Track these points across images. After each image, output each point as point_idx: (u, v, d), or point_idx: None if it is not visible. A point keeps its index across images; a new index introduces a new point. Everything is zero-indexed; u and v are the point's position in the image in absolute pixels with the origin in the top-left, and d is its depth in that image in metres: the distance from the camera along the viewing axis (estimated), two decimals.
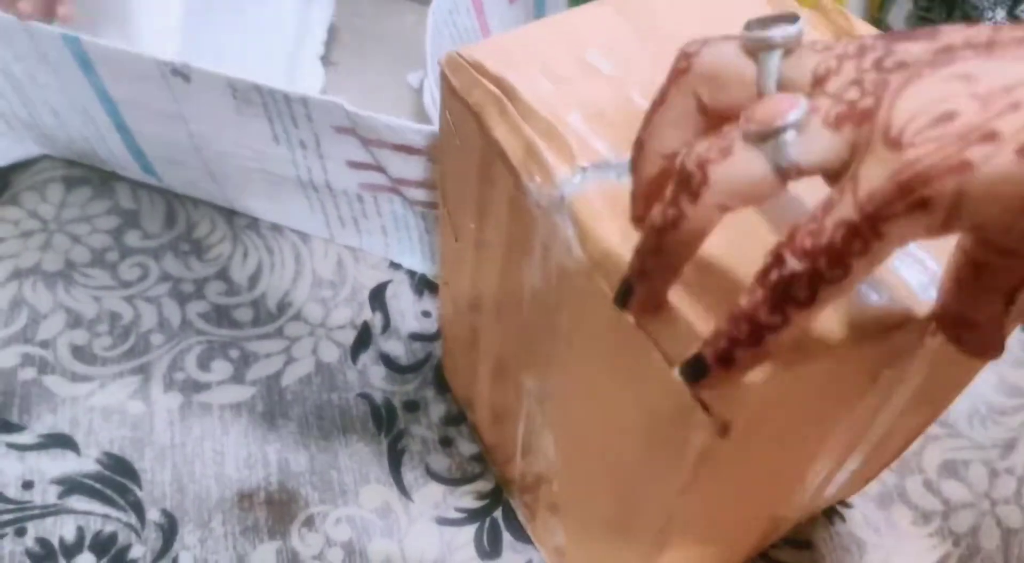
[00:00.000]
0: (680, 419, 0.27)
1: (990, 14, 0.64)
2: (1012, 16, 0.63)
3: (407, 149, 0.45)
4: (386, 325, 0.55)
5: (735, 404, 0.26)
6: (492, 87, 0.33)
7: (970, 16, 0.65)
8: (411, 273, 0.57)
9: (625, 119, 0.32)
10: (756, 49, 0.25)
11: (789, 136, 0.22)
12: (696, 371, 0.25)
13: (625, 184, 0.29)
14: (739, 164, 0.23)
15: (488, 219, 0.36)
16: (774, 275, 0.23)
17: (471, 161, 0.35)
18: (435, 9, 0.47)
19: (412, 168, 0.47)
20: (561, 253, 0.31)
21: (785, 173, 0.23)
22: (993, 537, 0.49)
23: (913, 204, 0.20)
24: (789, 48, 0.24)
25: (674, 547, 0.35)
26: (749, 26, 0.25)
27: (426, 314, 0.55)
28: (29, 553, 0.45)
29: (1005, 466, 0.52)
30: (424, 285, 0.56)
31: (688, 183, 0.24)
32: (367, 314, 0.55)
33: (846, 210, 0.21)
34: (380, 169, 0.48)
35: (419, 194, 0.49)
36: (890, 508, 0.50)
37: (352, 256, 0.57)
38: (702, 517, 0.34)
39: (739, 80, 0.25)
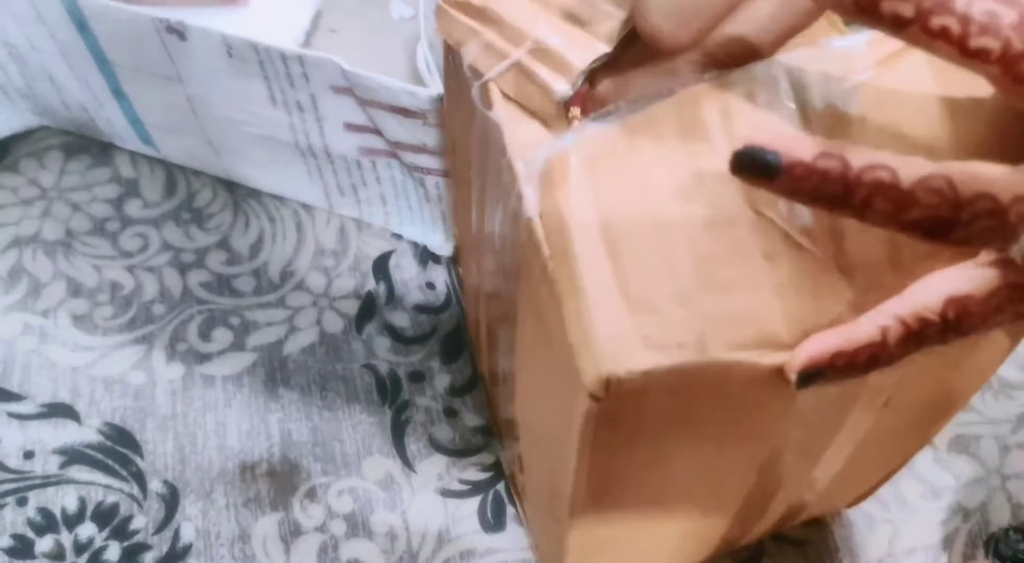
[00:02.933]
0: (574, 386, 0.27)
1: None
2: None
3: (404, 112, 0.44)
4: (390, 296, 0.54)
5: (613, 384, 0.26)
6: (471, 21, 0.32)
7: None
8: (414, 243, 0.56)
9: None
10: None
11: None
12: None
13: (621, 130, 0.28)
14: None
15: (482, 172, 0.36)
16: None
17: (469, 108, 0.34)
18: None
19: (409, 131, 0.46)
20: (516, 206, 0.30)
21: None
22: (1004, 512, 0.49)
23: None
24: None
25: (585, 526, 0.35)
26: None
27: (430, 286, 0.55)
28: (31, 523, 0.45)
29: (1017, 441, 0.51)
30: (428, 255, 0.56)
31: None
32: (371, 284, 0.54)
33: None
34: (377, 132, 0.48)
35: (417, 159, 0.48)
36: (899, 483, 0.49)
37: (355, 225, 0.57)
38: (608, 499, 0.34)
39: None
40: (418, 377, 0.51)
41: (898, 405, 0.33)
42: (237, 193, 0.57)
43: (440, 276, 0.55)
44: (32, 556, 0.44)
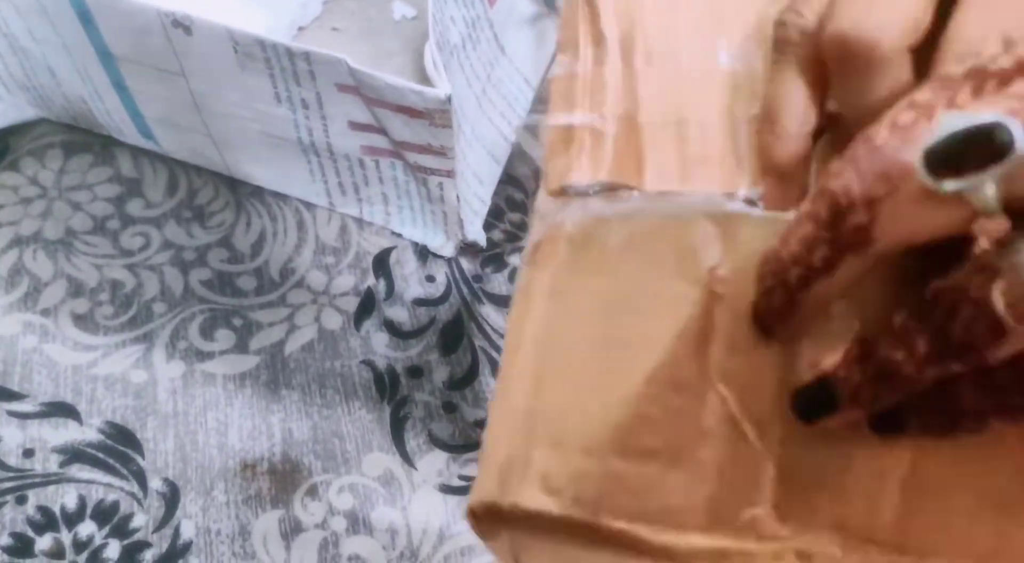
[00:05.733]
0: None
1: None
2: None
3: (410, 111, 0.45)
4: (390, 291, 0.54)
5: (492, 510, 0.24)
6: (584, 32, 0.31)
7: None
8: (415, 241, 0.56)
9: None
10: None
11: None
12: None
13: (621, 228, 0.27)
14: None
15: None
16: None
17: None
18: None
19: (414, 131, 0.46)
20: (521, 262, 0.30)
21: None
22: None
23: None
24: None
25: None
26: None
27: (430, 279, 0.55)
28: (30, 521, 0.45)
29: None
30: (428, 250, 0.56)
31: (843, 220, 0.20)
32: (371, 280, 0.55)
33: None
34: (382, 131, 0.48)
35: (421, 159, 0.48)
36: None
37: (356, 223, 0.57)
38: None
39: None
40: (416, 372, 0.51)
41: None
42: (239, 192, 0.57)
43: (441, 269, 0.55)
44: (32, 554, 0.44)
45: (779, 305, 0.23)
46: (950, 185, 0.18)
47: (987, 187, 0.18)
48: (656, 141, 0.29)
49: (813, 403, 0.23)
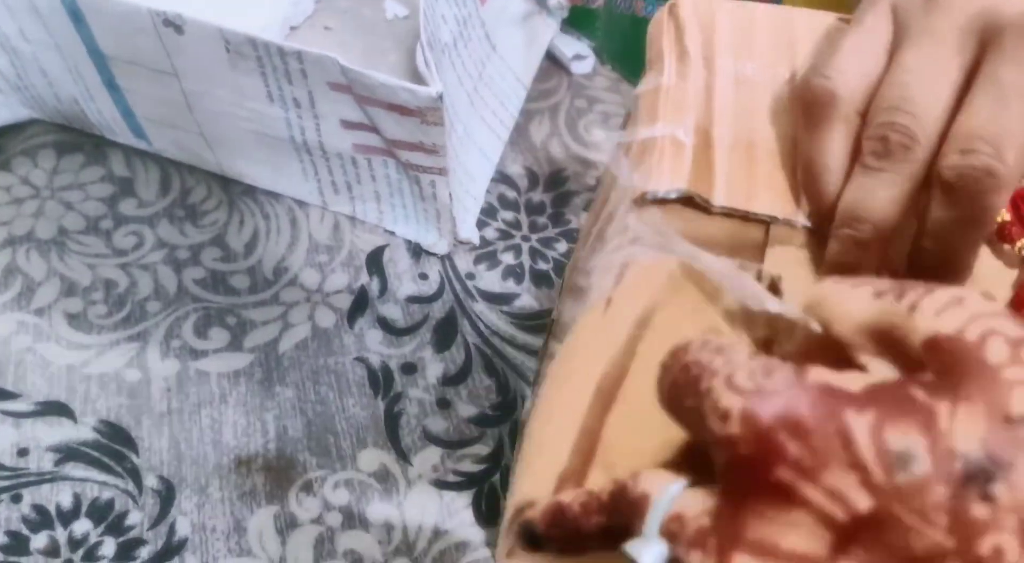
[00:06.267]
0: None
1: None
2: None
3: (402, 109, 0.45)
4: (383, 289, 0.54)
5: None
6: (670, 49, 0.32)
7: None
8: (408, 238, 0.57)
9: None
10: None
11: None
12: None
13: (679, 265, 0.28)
14: None
15: (606, 191, 0.36)
16: None
17: None
18: None
19: (407, 130, 0.46)
20: (583, 275, 0.31)
21: None
22: None
23: None
24: None
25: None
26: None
27: (423, 276, 0.55)
28: (25, 520, 0.45)
29: None
30: (421, 248, 0.56)
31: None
32: (364, 278, 0.55)
33: None
34: (374, 129, 0.48)
35: (413, 157, 0.48)
36: None
37: (349, 221, 0.57)
38: None
39: None
40: (410, 368, 0.52)
41: None
42: (232, 190, 0.57)
43: (434, 266, 0.56)
44: (27, 552, 0.44)
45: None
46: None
47: None
48: (728, 159, 0.30)
49: (525, 537, 0.24)
